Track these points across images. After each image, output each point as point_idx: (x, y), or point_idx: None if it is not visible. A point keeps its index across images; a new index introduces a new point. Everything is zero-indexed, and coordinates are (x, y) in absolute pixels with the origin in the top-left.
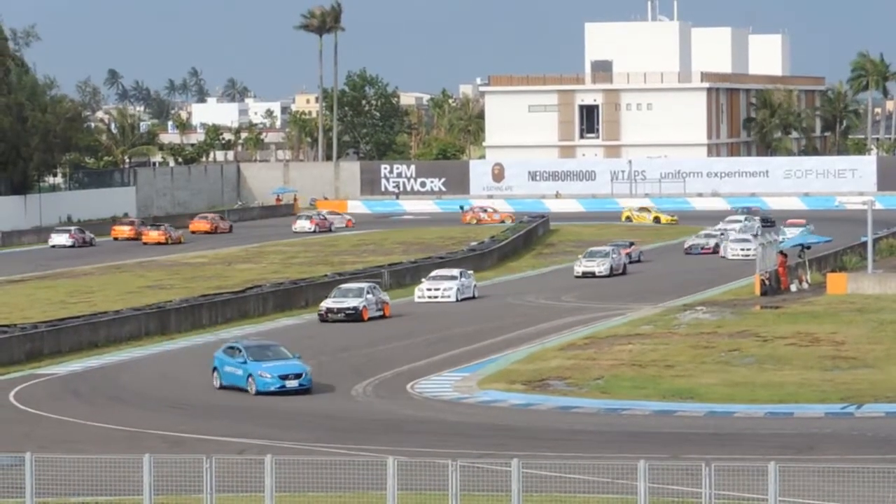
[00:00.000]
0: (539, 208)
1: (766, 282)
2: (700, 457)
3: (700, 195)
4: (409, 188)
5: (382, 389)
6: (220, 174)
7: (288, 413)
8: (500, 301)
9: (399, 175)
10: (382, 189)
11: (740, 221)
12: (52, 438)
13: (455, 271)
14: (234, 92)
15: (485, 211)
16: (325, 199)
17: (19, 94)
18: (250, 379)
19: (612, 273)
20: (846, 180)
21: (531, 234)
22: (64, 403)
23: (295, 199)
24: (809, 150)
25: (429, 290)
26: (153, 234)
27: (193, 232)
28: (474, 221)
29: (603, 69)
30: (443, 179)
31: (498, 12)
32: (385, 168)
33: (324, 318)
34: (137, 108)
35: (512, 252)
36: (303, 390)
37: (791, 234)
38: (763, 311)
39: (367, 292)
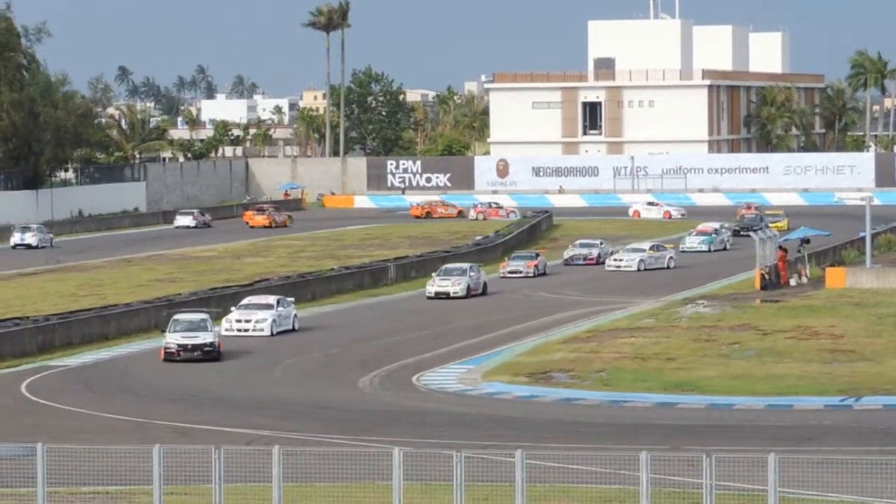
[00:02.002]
0: (542, 204)
1: (766, 276)
2: (701, 448)
3: (701, 191)
4: (414, 184)
5: (388, 381)
6: (229, 169)
7: (295, 404)
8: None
9: (405, 171)
10: (388, 184)
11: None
12: (64, 429)
13: (272, 298)
14: (243, 88)
15: (748, 207)
16: (333, 194)
17: (31, 91)
18: None
19: (469, 293)
20: (845, 176)
21: (535, 229)
22: (75, 395)
23: (302, 195)
24: (809, 147)
25: (238, 321)
26: (258, 219)
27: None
28: (737, 217)
29: (606, 67)
30: (448, 175)
31: (502, 11)
32: (391, 164)
33: (172, 357)
34: (147, 105)
35: (516, 247)
36: None
37: (692, 243)
38: (763, 305)
39: (210, 326)
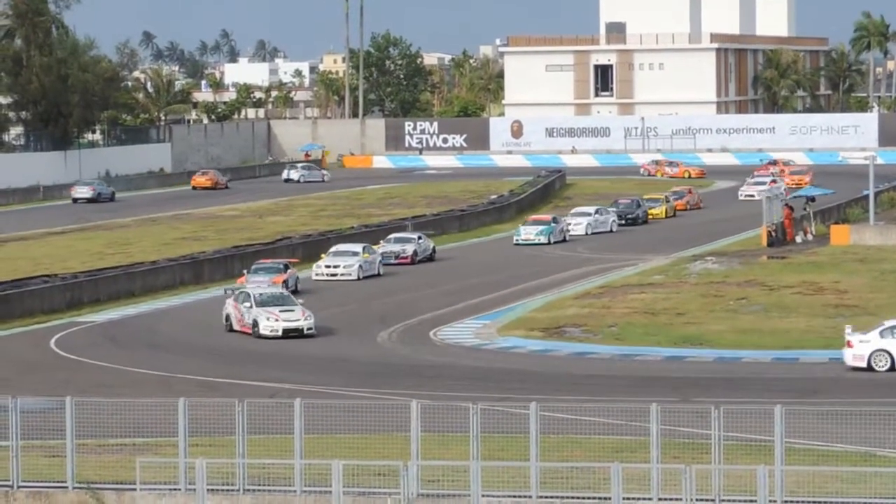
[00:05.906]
0: (556, 163)
1: (773, 233)
2: (709, 400)
3: (710, 150)
4: (431, 144)
5: (407, 336)
6: (252, 131)
7: (316, 359)
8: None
9: (422, 132)
10: (406, 145)
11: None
12: (91, 383)
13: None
14: (265, 52)
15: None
16: (352, 154)
17: (61, 55)
18: None
19: None
20: (849, 136)
21: (548, 188)
22: (102, 350)
23: (323, 155)
24: (814, 108)
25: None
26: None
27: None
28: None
29: (617, 31)
30: (464, 136)
31: None
32: (409, 125)
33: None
34: (172, 68)
35: (529, 205)
36: None
37: (528, 234)
38: (769, 262)
39: None
